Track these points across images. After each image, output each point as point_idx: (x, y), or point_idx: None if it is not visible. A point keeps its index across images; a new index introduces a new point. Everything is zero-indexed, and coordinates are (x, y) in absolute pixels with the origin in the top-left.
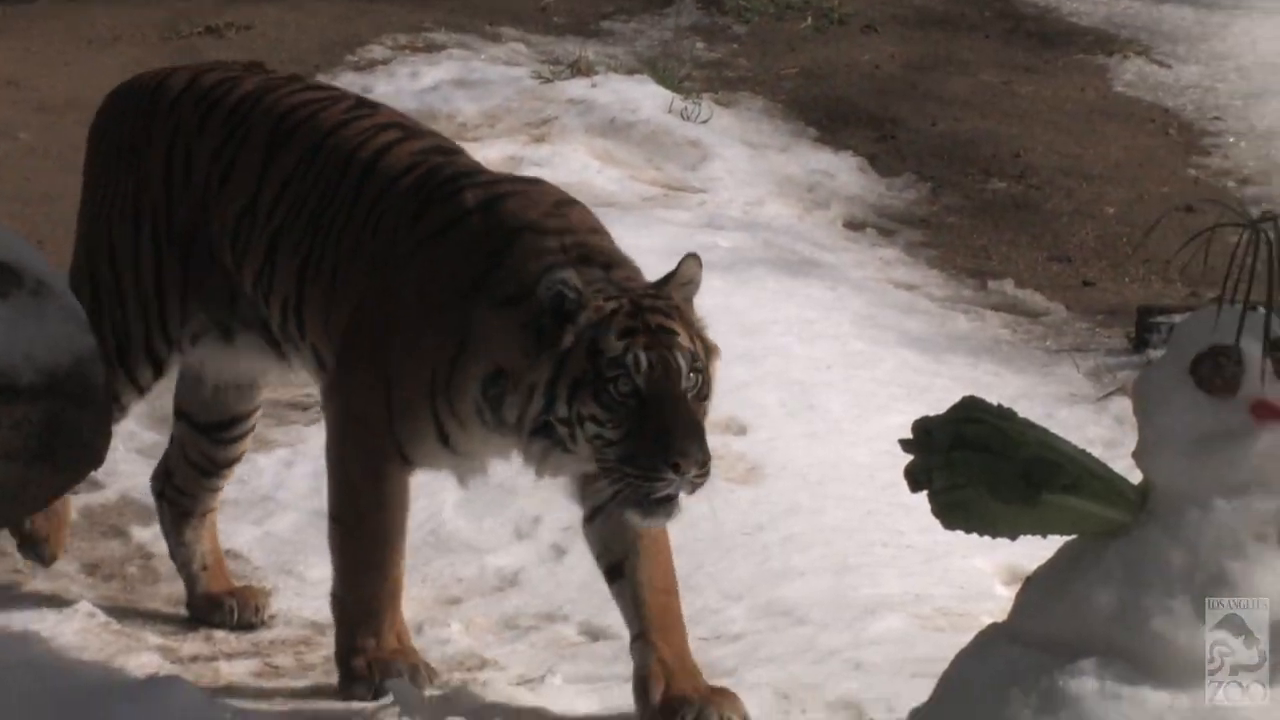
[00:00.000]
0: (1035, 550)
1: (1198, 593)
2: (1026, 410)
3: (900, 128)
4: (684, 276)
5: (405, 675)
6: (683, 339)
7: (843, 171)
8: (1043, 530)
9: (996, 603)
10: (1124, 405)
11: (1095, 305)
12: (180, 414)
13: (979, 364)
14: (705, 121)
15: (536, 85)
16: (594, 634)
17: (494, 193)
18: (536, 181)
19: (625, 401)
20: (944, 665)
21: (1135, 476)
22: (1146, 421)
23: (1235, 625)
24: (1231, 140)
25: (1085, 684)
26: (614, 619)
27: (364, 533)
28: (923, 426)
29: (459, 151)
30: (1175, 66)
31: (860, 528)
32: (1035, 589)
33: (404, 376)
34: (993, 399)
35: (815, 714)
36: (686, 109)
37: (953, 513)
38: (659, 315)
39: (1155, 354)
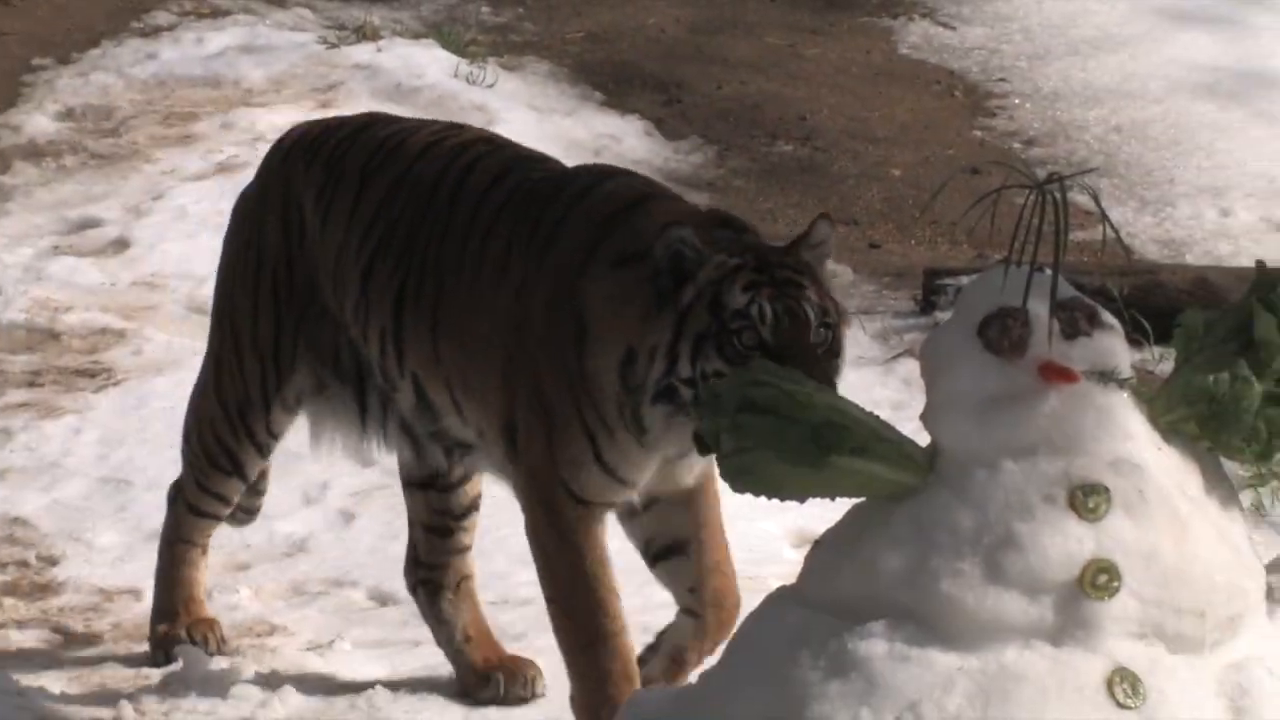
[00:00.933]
0: (824, 513)
1: (986, 554)
2: None
3: (686, 91)
4: (816, 238)
5: None
6: (811, 292)
7: (629, 135)
8: (831, 493)
9: (785, 566)
10: (912, 367)
11: (882, 268)
12: (403, 483)
13: None
14: (491, 86)
15: (323, 51)
16: (382, 599)
17: (599, 176)
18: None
19: (750, 354)
20: None
21: (924, 439)
22: (934, 384)
23: (1024, 586)
24: (1017, 102)
25: (875, 646)
26: (401, 584)
27: (574, 606)
28: (711, 390)
29: (546, 159)
30: (960, 28)
31: None
32: (824, 552)
33: (546, 391)
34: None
35: None
36: (472, 73)
37: (741, 476)
38: (786, 270)
39: (942, 316)
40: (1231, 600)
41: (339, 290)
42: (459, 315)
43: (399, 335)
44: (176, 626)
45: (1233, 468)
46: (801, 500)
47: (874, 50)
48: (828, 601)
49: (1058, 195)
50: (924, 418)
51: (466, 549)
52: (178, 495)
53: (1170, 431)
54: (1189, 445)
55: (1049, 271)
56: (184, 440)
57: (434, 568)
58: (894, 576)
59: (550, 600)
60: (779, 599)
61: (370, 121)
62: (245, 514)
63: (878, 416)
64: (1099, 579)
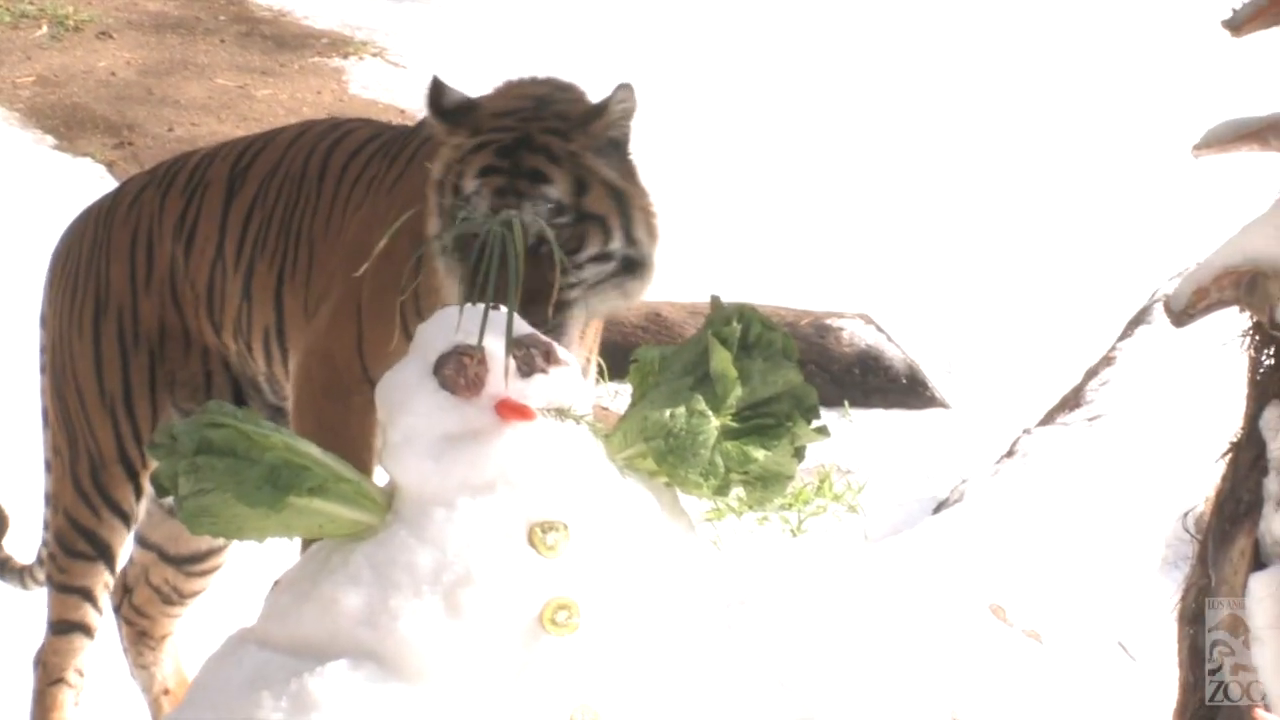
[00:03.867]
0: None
1: (446, 592)
2: None
3: (138, 133)
4: (614, 112)
5: None
6: (554, 189)
7: (82, 178)
8: (290, 533)
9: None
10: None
11: None
12: (145, 543)
13: None
14: None
15: None
16: None
17: None
18: None
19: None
20: None
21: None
22: (392, 422)
23: (485, 624)
24: None
25: (335, 685)
26: None
27: None
28: (167, 431)
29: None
30: (410, 66)
31: None
32: (283, 593)
33: (380, 299)
34: None
35: None
36: None
37: (199, 519)
38: (538, 157)
39: None
40: (686, 633)
41: (215, 310)
42: (324, 276)
43: (280, 327)
44: None
45: (691, 502)
46: (260, 540)
47: (325, 90)
48: (288, 642)
49: (509, 234)
50: (383, 457)
51: (180, 616)
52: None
53: (628, 467)
54: (647, 480)
55: (504, 310)
56: (41, 548)
57: (144, 615)
58: (354, 616)
59: None
60: (238, 641)
61: (227, 141)
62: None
63: (336, 456)
64: (559, 615)
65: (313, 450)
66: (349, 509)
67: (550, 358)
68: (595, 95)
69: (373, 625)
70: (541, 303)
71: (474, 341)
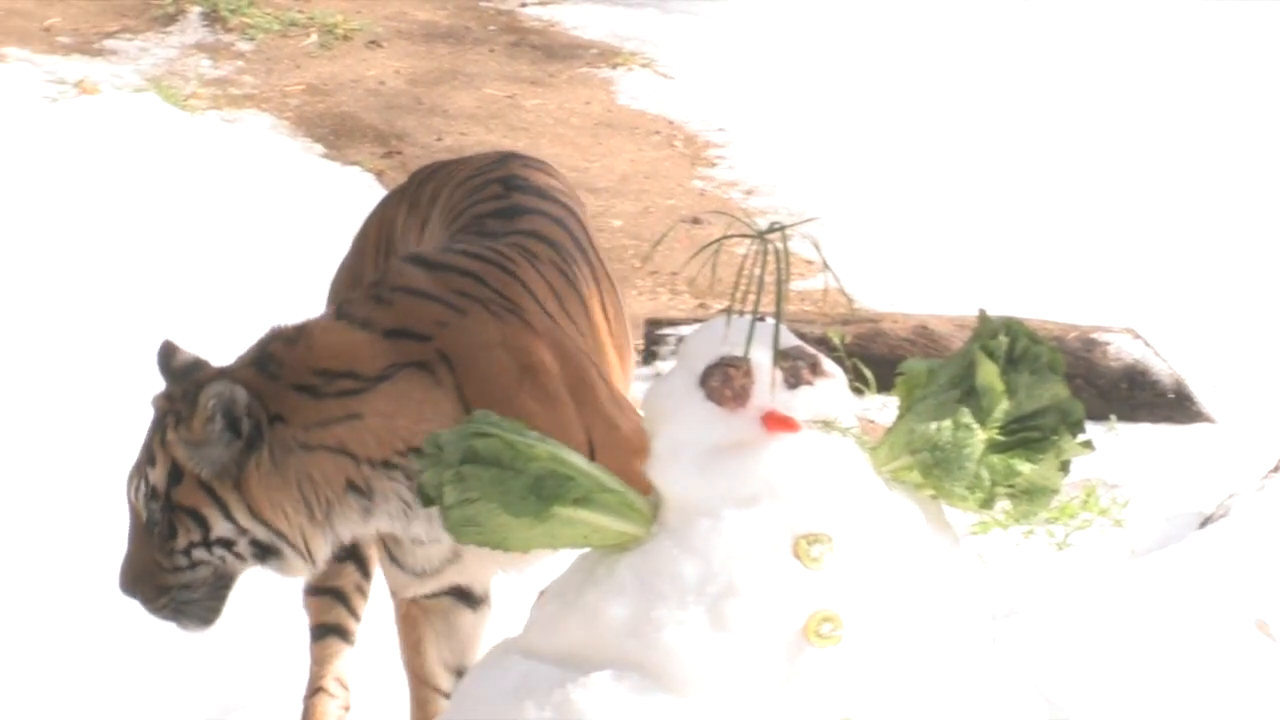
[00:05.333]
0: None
1: (710, 604)
2: None
3: (406, 143)
4: (207, 408)
5: None
6: (152, 474)
7: (350, 187)
8: (555, 544)
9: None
10: None
11: None
12: None
13: None
14: (212, 139)
15: (43, 105)
16: None
17: None
18: None
19: None
20: None
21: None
22: (657, 434)
23: (749, 635)
24: (737, 151)
25: (599, 696)
26: None
27: None
28: (433, 441)
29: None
30: (679, 78)
31: None
32: (548, 603)
33: None
34: None
35: None
36: (192, 127)
37: (464, 528)
38: (156, 437)
39: (664, 366)
40: (951, 647)
41: None
42: None
43: None
44: None
45: (956, 515)
46: (525, 550)
47: (594, 100)
48: (552, 652)
49: (779, 244)
50: (648, 468)
51: None
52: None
53: (894, 480)
54: (912, 493)
55: (771, 321)
56: None
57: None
58: (618, 627)
59: None
60: (502, 651)
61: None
62: None
63: (601, 466)
64: (823, 628)
65: (578, 461)
66: (614, 519)
67: (816, 370)
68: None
69: (637, 636)
70: None
71: (740, 353)
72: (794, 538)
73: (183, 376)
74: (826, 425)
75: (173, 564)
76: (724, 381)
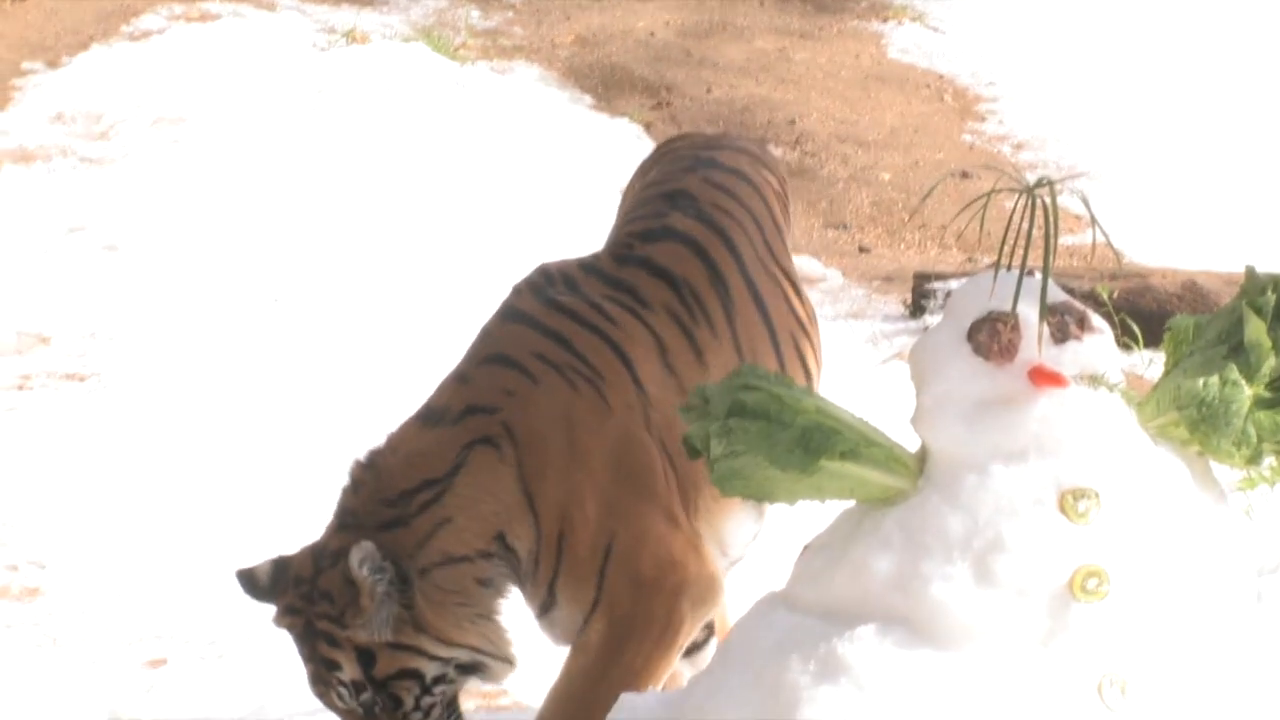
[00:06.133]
0: None
1: (976, 558)
2: None
3: (675, 94)
4: (366, 581)
5: None
6: (344, 673)
7: (619, 138)
8: (820, 496)
9: None
10: (902, 371)
11: (871, 271)
12: None
13: None
14: (480, 89)
15: (313, 54)
16: None
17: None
18: None
19: None
20: None
21: (914, 443)
22: (924, 388)
23: (1014, 590)
24: (1006, 106)
25: (864, 650)
26: None
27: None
28: (700, 393)
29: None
30: (949, 32)
31: None
32: (813, 556)
33: None
34: None
35: None
36: (462, 77)
37: (731, 480)
38: (322, 644)
39: (932, 320)
40: (1217, 603)
41: None
42: None
43: None
44: None
45: (1222, 471)
46: (791, 503)
47: (863, 54)
48: (817, 606)
49: (1047, 199)
50: (914, 421)
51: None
52: None
53: (1160, 435)
54: (1179, 449)
55: (1039, 276)
56: None
57: None
58: (884, 580)
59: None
60: (768, 604)
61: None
62: None
63: (867, 421)
64: (1089, 583)
65: (844, 414)
66: (880, 473)
67: (1084, 324)
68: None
69: (903, 590)
70: None
71: (1008, 308)
72: (1060, 493)
73: (276, 585)
74: (1093, 380)
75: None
76: (991, 336)
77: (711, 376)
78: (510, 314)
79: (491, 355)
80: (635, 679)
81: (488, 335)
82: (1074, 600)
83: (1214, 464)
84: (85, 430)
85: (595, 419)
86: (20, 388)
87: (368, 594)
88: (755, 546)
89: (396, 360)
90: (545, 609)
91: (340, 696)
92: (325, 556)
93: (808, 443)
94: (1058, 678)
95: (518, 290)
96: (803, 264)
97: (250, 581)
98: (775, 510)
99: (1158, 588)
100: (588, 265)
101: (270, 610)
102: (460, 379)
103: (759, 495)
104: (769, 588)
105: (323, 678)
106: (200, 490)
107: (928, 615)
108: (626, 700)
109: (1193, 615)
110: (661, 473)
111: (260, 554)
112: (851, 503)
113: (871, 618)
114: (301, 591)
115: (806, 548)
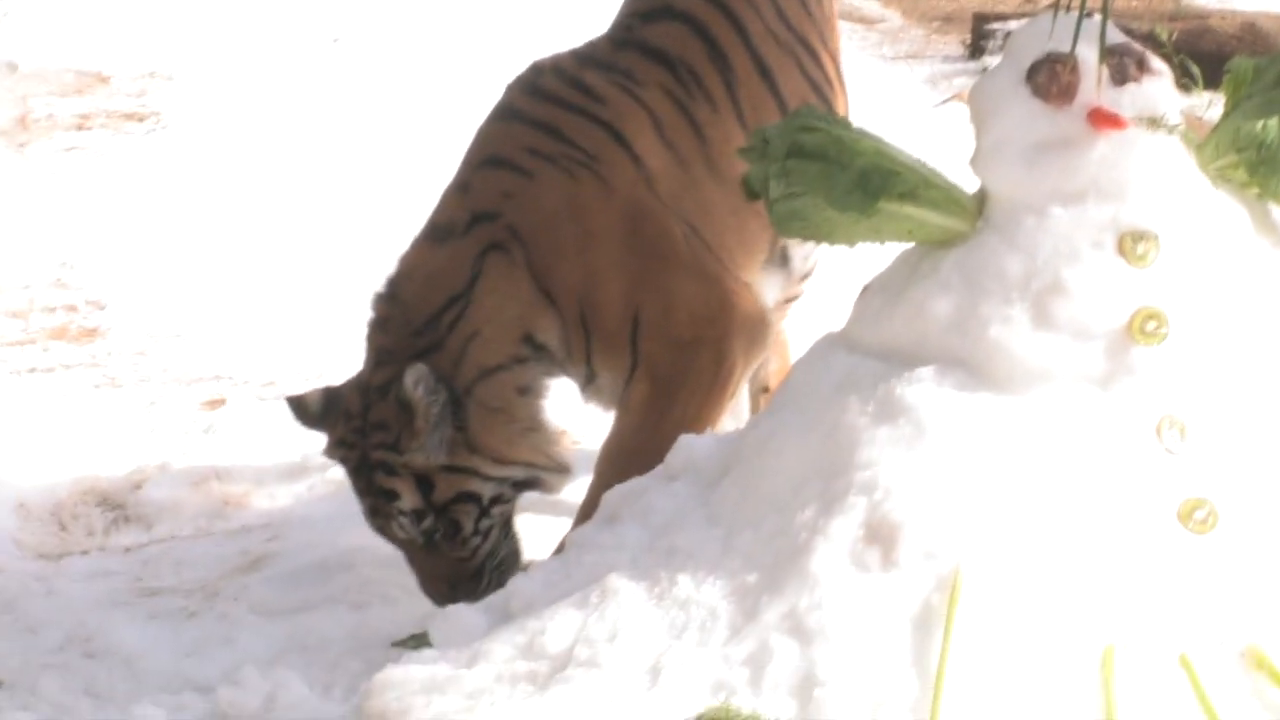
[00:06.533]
0: None
1: (1035, 300)
2: (863, 119)
3: None
4: (415, 406)
5: None
6: (404, 502)
7: None
8: (879, 238)
9: None
10: (960, 113)
11: (931, 12)
12: None
13: None
14: None
15: None
16: None
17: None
18: None
19: None
20: None
21: (973, 185)
22: (983, 130)
23: (1073, 332)
24: None
25: (923, 391)
26: None
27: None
28: (760, 135)
29: None
30: None
31: None
32: (872, 297)
33: None
34: None
35: None
36: None
37: (790, 221)
38: (379, 474)
39: (991, 61)
40: (1275, 346)
41: None
42: None
43: None
44: None
45: None
46: (850, 244)
47: None
48: (875, 347)
49: None
50: (973, 163)
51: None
52: None
53: (1219, 178)
54: (1238, 191)
55: (1098, 17)
56: None
57: None
58: (942, 322)
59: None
60: (826, 344)
61: None
62: None
63: (925, 162)
64: (1148, 325)
65: (903, 156)
66: (939, 215)
67: (1143, 66)
68: None
69: (962, 331)
70: None
71: (1067, 49)
72: (1119, 235)
73: (327, 416)
74: (1153, 123)
75: (471, 549)
76: (1050, 78)
77: (712, 151)
78: (501, 112)
79: (486, 158)
80: (684, 428)
81: (482, 137)
82: (1133, 342)
83: (1273, 207)
84: (144, 171)
85: (598, 201)
86: (80, 127)
87: (422, 416)
88: (813, 285)
89: (455, 102)
90: (588, 381)
91: (401, 527)
92: (371, 391)
93: (866, 184)
94: (1117, 420)
95: (509, 87)
96: (861, 4)
97: (301, 409)
98: (834, 251)
99: (1217, 330)
100: (582, 54)
101: (325, 354)
102: (461, 188)
103: (818, 236)
104: (828, 328)
105: (381, 510)
106: (257, 233)
107: (986, 357)
108: (684, 441)
109: (1251, 358)
110: (680, 236)
111: (316, 293)
112: (910, 244)
113: (930, 359)
114: (353, 426)
115: (865, 288)
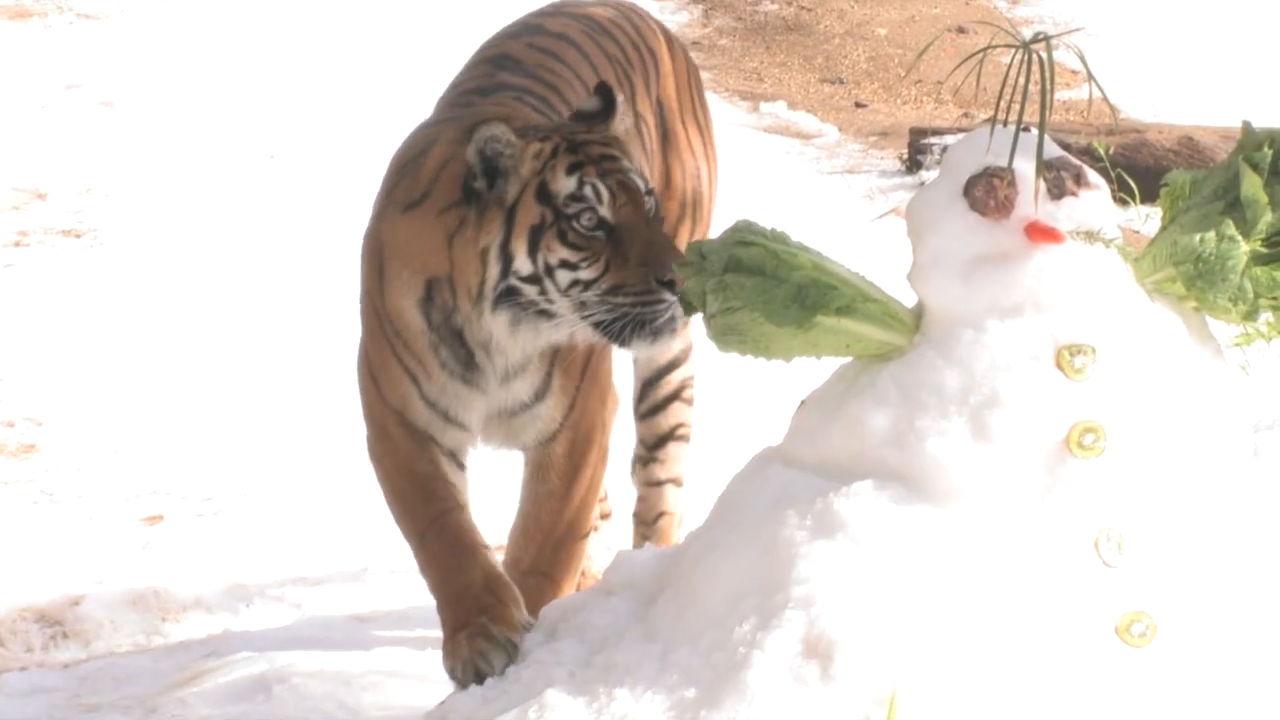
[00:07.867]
0: None
1: (972, 414)
2: (800, 233)
3: None
4: (621, 111)
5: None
6: (627, 163)
7: None
8: (816, 353)
9: None
10: (898, 227)
11: (868, 127)
12: None
13: (751, 187)
14: None
15: None
16: None
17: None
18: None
19: (594, 234)
20: None
21: (910, 299)
22: (920, 243)
23: (1011, 446)
24: None
25: (860, 505)
26: None
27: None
28: (697, 249)
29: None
30: None
31: None
32: (809, 412)
33: (365, 340)
34: (766, 222)
35: None
36: None
37: (727, 336)
38: (599, 146)
39: (928, 175)
40: (1213, 458)
41: None
42: None
43: None
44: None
45: (1219, 327)
46: (787, 359)
47: None
48: (812, 462)
49: (1043, 55)
50: (910, 277)
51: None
52: None
53: (1156, 291)
54: (1175, 305)
55: (1035, 131)
56: None
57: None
58: (880, 436)
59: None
60: (763, 459)
61: None
62: None
63: (863, 276)
64: (1086, 438)
65: (841, 270)
66: (876, 329)
67: (1080, 180)
68: None
69: (899, 445)
70: None
71: (1004, 163)
72: (1057, 348)
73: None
74: (1090, 236)
75: None
76: (988, 191)
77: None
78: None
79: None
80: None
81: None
82: (1071, 456)
83: (1210, 320)
84: (81, 287)
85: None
86: (17, 244)
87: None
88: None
89: None
90: None
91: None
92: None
93: (804, 298)
94: (1054, 533)
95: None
96: (799, 119)
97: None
98: (771, 367)
99: (1154, 443)
100: (458, 103)
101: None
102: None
103: (756, 351)
104: (765, 443)
105: (621, 170)
106: (195, 347)
107: (924, 471)
108: (622, 556)
109: (1189, 471)
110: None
111: (254, 409)
112: (848, 359)
113: (868, 474)
114: (592, 139)
115: (802, 403)
